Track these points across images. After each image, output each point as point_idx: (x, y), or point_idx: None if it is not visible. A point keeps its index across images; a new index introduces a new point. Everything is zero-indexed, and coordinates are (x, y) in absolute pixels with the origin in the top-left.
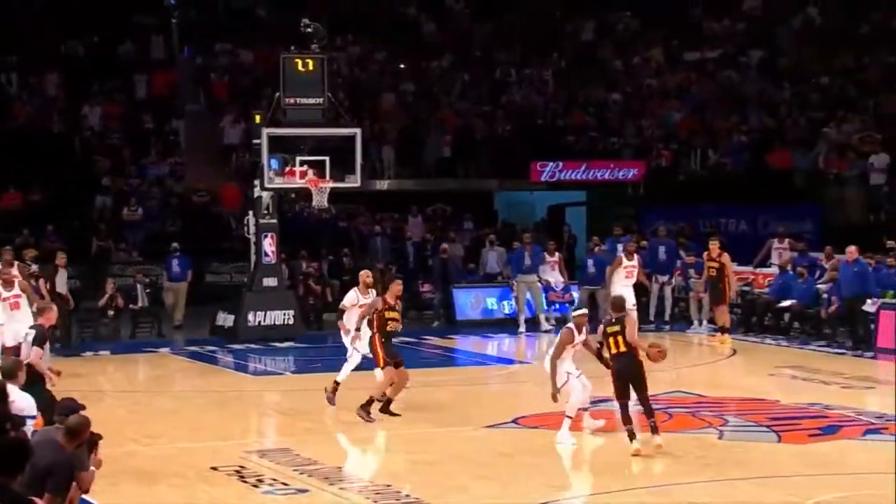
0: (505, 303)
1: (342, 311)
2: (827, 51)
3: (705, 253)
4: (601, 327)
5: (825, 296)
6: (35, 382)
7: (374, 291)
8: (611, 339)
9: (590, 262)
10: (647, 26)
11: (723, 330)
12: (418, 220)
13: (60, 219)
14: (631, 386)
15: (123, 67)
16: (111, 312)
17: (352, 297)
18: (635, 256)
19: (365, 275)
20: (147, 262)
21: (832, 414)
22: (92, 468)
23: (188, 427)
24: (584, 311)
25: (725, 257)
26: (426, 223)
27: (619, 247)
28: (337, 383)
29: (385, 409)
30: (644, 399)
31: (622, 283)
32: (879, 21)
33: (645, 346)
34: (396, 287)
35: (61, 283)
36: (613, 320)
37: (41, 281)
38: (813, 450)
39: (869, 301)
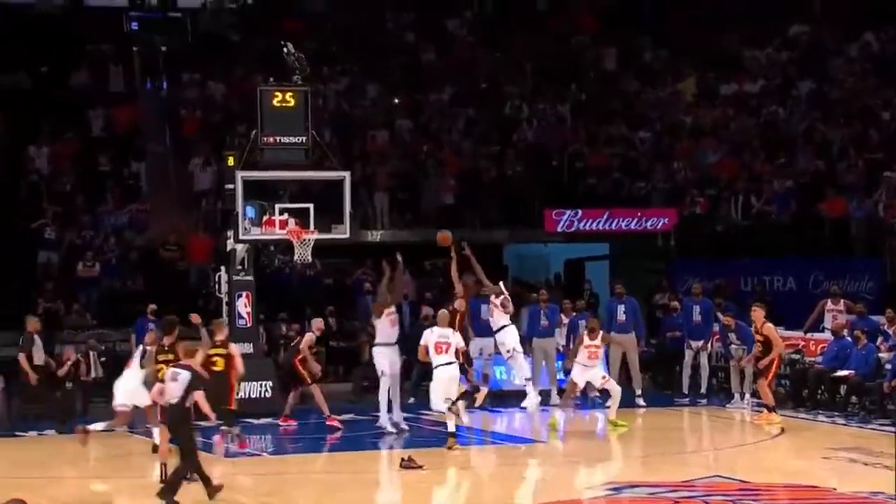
0: (515, 372)
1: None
2: (887, 82)
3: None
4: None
5: (888, 366)
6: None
7: None
8: None
9: (620, 308)
10: (678, 55)
11: (768, 408)
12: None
13: (2, 277)
14: None
15: (77, 102)
16: (69, 384)
17: None
18: (599, 334)
19: None
20: (102, 326)
21: None
22: None
23: None
24: None
25: (768, 328)
26: (417, 279)
27: (581, 323)
28: None
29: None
30: None
31: (584, 364)
32: None
33: None
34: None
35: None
36: None
37: None
38: None
39: None
